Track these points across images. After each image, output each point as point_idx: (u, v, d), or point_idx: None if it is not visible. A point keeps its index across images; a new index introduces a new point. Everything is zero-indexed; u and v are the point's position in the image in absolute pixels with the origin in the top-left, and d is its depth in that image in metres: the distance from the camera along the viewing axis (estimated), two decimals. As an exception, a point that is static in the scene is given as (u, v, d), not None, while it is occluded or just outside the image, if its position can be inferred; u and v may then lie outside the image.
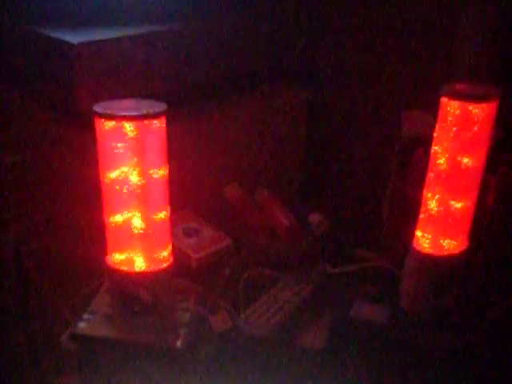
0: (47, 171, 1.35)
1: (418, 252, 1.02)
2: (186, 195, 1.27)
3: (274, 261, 1.21)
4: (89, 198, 1.22)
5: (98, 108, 0.88)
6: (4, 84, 1.38)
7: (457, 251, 1.01)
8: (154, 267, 0.96)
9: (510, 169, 1.04)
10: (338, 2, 1.46)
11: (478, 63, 1.16)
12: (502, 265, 1.10)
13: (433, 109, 1.21)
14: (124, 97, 0.94)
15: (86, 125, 1.17)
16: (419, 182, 1.04)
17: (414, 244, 1.03)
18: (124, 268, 0.96)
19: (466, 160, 0.94)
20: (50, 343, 1.35)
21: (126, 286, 0.97)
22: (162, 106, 0.89)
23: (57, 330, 1.13)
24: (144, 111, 0.86)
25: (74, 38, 1.16)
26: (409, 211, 1.08)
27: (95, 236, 1.14)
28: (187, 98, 1.33)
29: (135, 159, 0.89)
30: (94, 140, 0.90)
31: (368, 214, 1.29)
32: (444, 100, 0.92)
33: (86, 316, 1.04)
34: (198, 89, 1.36)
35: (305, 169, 1.54)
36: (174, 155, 0.94)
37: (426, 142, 1.12)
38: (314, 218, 1.27)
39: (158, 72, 1.26)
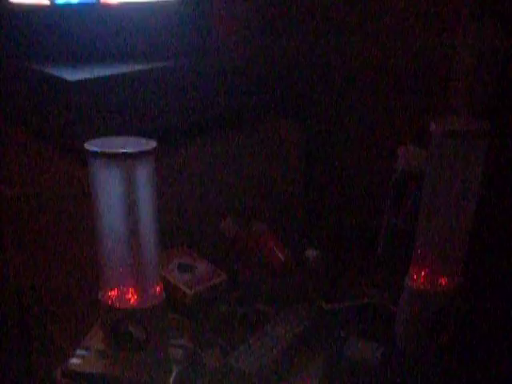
0: (45, 205, 1.36)
1: (412, 288, 1.01)
2: (181, 231, 1.28)
3: (270, 297, 1.21)
4: (85, 233, 1.23)
5: (88, 146, 0.89)
6: (2, 119, 1.41)
7: (451, 286, 1.00)
8: (146, 303, 0.96)
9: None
10: (336, 37, 1.47)
11: (473, 97, 1.16)
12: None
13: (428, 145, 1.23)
14: (116, 134, 0.96)
15: (82, 160, 1.20)
16: (412, 216, 1.04)
17: (408, 279, 1.02)
18: (116, 304, 0.97)
19: (458, 195, 0.94)
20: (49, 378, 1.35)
21: (119, 322, 0.97)
22: (151, 144, 0.90)
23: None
24: (133, 149, 0.87)
25: (69, 75, 1.18)
26: (403, 246, 1.08)
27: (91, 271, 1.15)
28: (182, 134, 1.34)
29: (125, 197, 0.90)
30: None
31: (365, 250, 1.28)
32: (434, 136, 0.92)
33: (78, 352, 1.04)
34: (193, 125, 1.37)
35: (302, 204, 1.55)
36: (168, 192, 0.95)
37: (419, 176, 1.13)
38: (311, 253, 1.27)
39: (151, 109, 1.28)
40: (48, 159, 1.31)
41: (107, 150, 0.87)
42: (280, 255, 1.26)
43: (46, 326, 1.49)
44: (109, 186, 0.90)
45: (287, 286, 1.23)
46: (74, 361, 1.02)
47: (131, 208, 0.90)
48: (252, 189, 1.44)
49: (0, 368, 1.70)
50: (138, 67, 1.24)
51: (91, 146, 0.89)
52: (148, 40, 1.31)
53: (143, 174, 0.89)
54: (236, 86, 1.39)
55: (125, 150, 0.86)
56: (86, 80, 1.18)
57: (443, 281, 1.00)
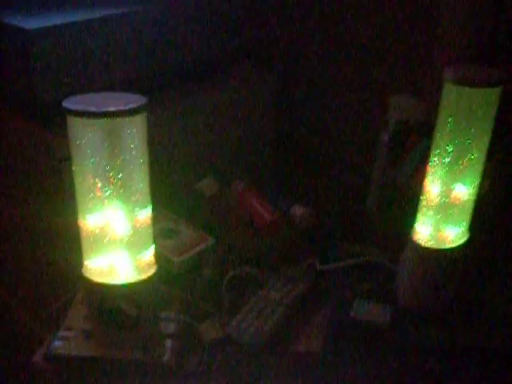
0: (8, 167, 1.23)
1: (418, 245, 0.96)
2: (159, 193, 1.18)
3: (257, 258, 1.14)
4: (57, 195, 1.11)
5: (68, 104, 0.78)
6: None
7: (459, 243, 0.96)
8: (138, 277, 0.87)
9: (506, 155, 1.00)
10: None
11: (465, 41, 1.10)
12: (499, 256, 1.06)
13: (419, 93, 1.17)
14: (89, 88, 0.85)
15: (48, 118, 1.08)
16: (414, 170, 0.99)
17: (413, 236, 0.97)
18: (105, 280, 0.87)
19: (470, 146, 0.89)
20: (18, 362, 1.24)
21: (107, 299, 0.88)
22: (141, 99, 0.80)
23: (26, 348, 1.03)
24: (122, 106, 0.77)
25: (27, 23, 1.05)
26: (402, 201, 1.03)
27: (65, 240, 1.04)
28: (150, 87, 1.23)
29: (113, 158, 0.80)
30: (59, 136, 0.81)
31: (352, 204, 1.23)
32: (449, 86, 0.86)
33: (61, 333, 0.95)
34: (162, 76, 1.26)
35: (282, 158, 1.47)
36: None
37: (417, 128, 1.07)
38: (297, 210, 1.20)
39: (117, 59, 1.16)
40: (6, 120, 1.17)
41: (95, 109, 0.75)
42: (265, 213, 1.18)
43: (5, 303, 1.37)
44: (95, 149, 0.79)
45: (275, 246, 1.16)
46: (57, 343, 0.93)
47: (121, 168, 0.80)
48: (228, 146, 1.35)
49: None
50: (101, 13, 1.12)
51: (72, 103, 0.78)
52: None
53: (135, 134, 0.79)
54: (205, 31, 1.28)
55: (116, 108, 0.76)
56: (45, 28, 1.04)
57: (449, 237, 0.96)
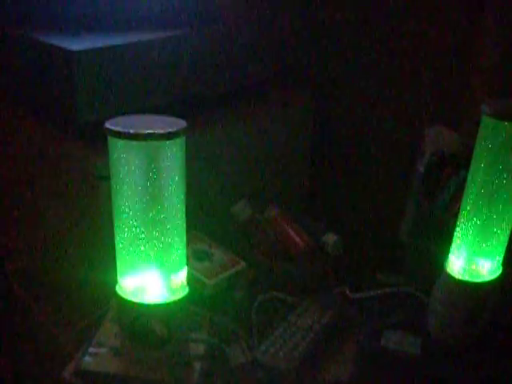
0: (46, 186, 1.25)
1: (451, 277, 0.96)
2: (194, 215, 1.20)
3: (288, 284, 1.14)
4: (94, 216, 1.14)
5: (110, 125, 0.80)
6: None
7: (493, 276, 0.95)
8: (170, 297, 0.88)
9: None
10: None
11: (505, 74, 1.10)
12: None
13: (454, 125, 1.16)
14: (130, 110, 0.87)
15: (90, 139, 1.10)
16: (449, 202, 0.99)
17: (447, 268, 0.97)
18: (137, 299, 0.88)
19: (507, 182, 0.88)
20: (46, 375, 1.25)
21: (138, 318, 0.89)
22: (181, 123, 0.82)
23: (56, 363, 1.04)
24: (167, 129, 0.79)
25: (72, 44, 1.07)
26: (437, 233, 1.02)
27: (100, 258, 1.06)
28: (190, 110, 1.25)
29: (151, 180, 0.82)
30: (99, 154, 0.83)
31: (384, 234, 1.22)
32: (487, 120, 0.86)
33: (92, 349, 0.96)
34: (200, 100, 1.27)
35: (315, 185, 1.47)
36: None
37: (453, 160, 1.07)
38: (329, 237, 1.19)
39: (159, 82, 1.18)
40: (48, 138, 1.20)
41: (138, 130, 0.77)
42: (298, 239, 1.19)
43: (37, 317, 1.39)
44: (133, 170, 0.81)
45: (306, 273, 1.16)
46: (87, 359, 0.94)
47: (157, 191, 0.82)
48: (263, 170, 1.36)
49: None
50: (147, 37, 1.14)
51: (113, 125, 0.80)
52: (157, 7, 1.20)
53: (175, 156, 0.81)
54: (243, 55, 1.30)
55: (156, 131, 0.77)
56: (89, 50, 1.07)
57: (484, 270, 0.95)
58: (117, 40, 1.10)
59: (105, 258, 0.97)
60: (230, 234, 1.21)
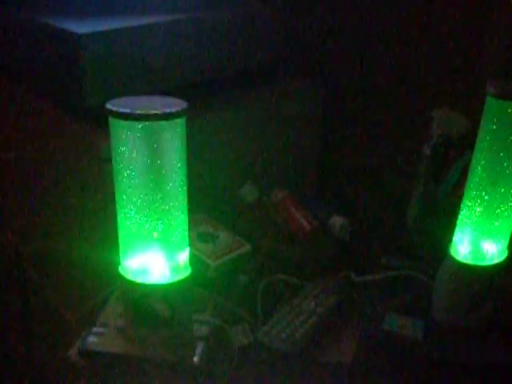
0: (52, 168, 1.26)
1: (456, 260, 0.95)
2: (198, 198, 1.20)
3: (294, 267, 1.14)
4: (99, 197, 1.14)
5: (110, 105, 0.80)
6: (5, 77, 1.30)
7: (498, 260, 0.94)
8: (173, 278, 0.89)
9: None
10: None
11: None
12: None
13: (461, 107, 1.15)
14: (137, 94, 0.87)
15: (96, 121, 1.10)
16: (455, 184, 0.98)
17: (451, 252, 0.96)
18: (140, 279, 0.89)
19: (510, 163, 0.87)
20: (54, 354, 1.27)
21: (141, 298, 0.90)
22: (181, 104, 0.82)
23: (62, 341, 1.06)
24: (163, 109, 0.78)
25: (78, 27, 1.08)
26: (442, 216, 1.02)
27: (104, 240, 1.07)
28: (197, 94, 1.25)
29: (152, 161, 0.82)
30: (104, 137, 0.83)
31: (392, 217, 1.22)
32: (491, 100, 0.84)
33: (96, 329, 0.96)
34: (207, 83, 1.27)
35: (322, 168, 1.46)
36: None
37: (459, 142, 1.06)
38: (336, 221, 1.19)
39: (165, 65, 1.18)
40: (55, 120, 1.21)
41: (136, 111, 0.77)
42: (304, 223, 1.18)
43: (47, 297, 1.41)
44: (135, 150, 0.81)
45: (312, 256, 1.16)
46: (91, 339, 0.94)
47: (159, 171, 0.82)
48: (270, 153, 1.35)
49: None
50: (149, 20, 1.14)
51: (114, 105, 0.80)
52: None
53: (174, 136, 0.81)
54: (252, 41, 1.30)
55: (156, 111, 0.77)
56: (96, 33, 1.07)
57: (489, 254, 0.94)
58: (122, 23, 1.11)
59: (111, 238, 0.97)
60: (237, 216, 1.21)
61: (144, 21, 1.12)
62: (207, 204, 1.20)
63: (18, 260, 1.56)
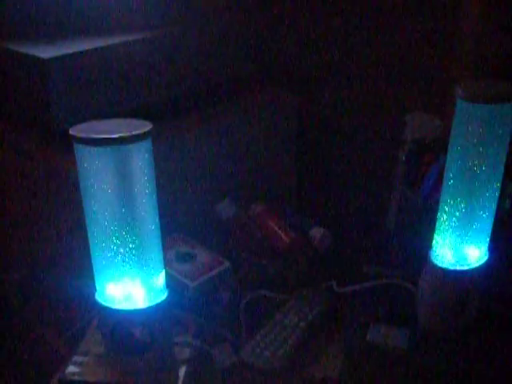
0: (22, 193, 1.25)
1: (436, 266, 0.94)
2: (175, 217, 1.18)
3: (276, 282, 1.13)
4: (73, 224, 1.12)
5: (74, 131, 0.78)
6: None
7: (478, 263, 0.93)
8: (150, 301, 0.87)
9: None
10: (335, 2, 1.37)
11: (483, 57, 1.08)
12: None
13: (435, 110, 1.14)
14: (99, 116, 0.85)
15: (65, 145, 1.09)
16: (431, 189, 0.97)
17: (432, 257, 0.95)
18: (116, 305, 0.87)
19: (484, 165, 0.86)
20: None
21: (118, 324, 0.88)
22: (146, 125, 0.80)
23: (50, 367, 1.03)
24: (127, 132, 0.77)
25: (44, 52, 1.06)
26: (421, 222, 1.01)
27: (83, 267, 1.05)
28: (168, 111, 1.24)
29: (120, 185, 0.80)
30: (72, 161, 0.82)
31: (372, 225, 1.20)
32: (461, 103, 0.84)
33: (75, 358, 0.94)
34: (180, 101, 1.26)
35: (300, 180, 1.45)
36: (158, 175, 0.85)
37: (433, 146, 1.05)
38: (316, 232, 1.18)
39: (135, 85, 1.17)
40: (23, 147, 1.19)
41: (98, 135, 0.76)
42: (283, 236, 1.17)
43: (34, 328, 1.38)
44: (101, 176, 0.79)
45: (293, 269, 1.14)
46: (72, 369, 0.93)
47: (128, 196, 0.80)
48: (247, 166, 1.34)
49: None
50: (119, 40, 1.13)
51: (78, 131, 0.78)
52: (127, 10, 1.19)
53: (140, 159, 0.79)
54: (225, 55, 1.29)
55: (119, 135, 0.76)
56: (62, 57, 1.06)
57: (469, 258, 0.93)
58: (86, 45, 1.09)
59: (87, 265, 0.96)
60: (215, 233, 1.20)
61: (108, 41, 1.11)
62: (184, 222, 1.18)
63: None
